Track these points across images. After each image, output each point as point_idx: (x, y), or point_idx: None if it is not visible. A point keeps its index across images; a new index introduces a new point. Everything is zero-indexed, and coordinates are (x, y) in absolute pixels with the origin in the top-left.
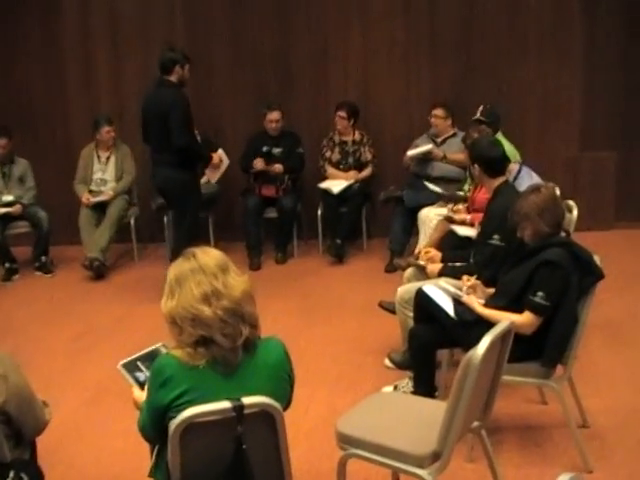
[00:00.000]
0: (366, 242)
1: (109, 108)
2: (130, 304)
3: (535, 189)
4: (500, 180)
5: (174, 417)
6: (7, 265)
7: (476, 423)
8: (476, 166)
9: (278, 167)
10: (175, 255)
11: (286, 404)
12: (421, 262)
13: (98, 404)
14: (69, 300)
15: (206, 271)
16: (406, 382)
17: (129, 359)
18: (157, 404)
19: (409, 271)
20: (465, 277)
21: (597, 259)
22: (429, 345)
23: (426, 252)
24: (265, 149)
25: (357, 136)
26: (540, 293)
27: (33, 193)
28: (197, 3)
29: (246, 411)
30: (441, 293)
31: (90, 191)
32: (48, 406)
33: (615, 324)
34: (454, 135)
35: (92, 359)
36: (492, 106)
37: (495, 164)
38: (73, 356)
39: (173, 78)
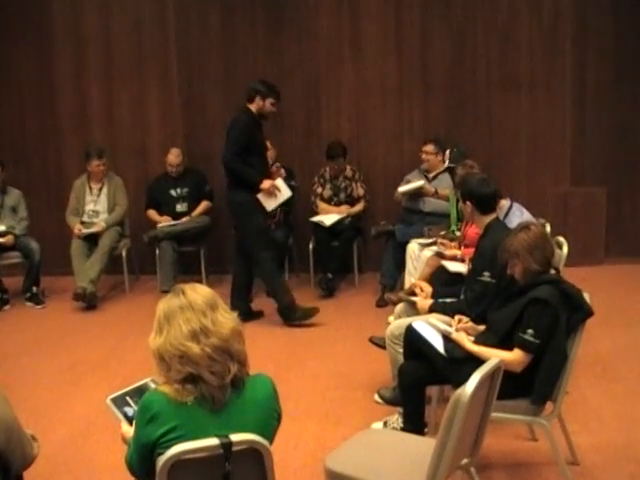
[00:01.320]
0: (358, 276)
1: (102, 140)
2: (121, 336)
3: (525, 227)
4: (491, 217)
5: (162, 453)
6: None
7: (465, 460)
8: (468, 203)
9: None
10: (269, 290)
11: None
12: (412, 298)
13: (87, 438)
14: (59, 331)
15: (195, 308)
16: (396, 418)
17: (118, 393)
18: (145, 440)
19: (400, 306)
20: (457, 317)
21: (587, 296)
22: (419, 382)
23: (419, 287)
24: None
25: (348, 172)
26: (530, 330)
27: (26, 224)
28: (190, 38)
29: (234, 448)
30: (431, 330)
31: (82, 222)
32: (36, 440)
33: (605, 360)
34: (445, 171)
35: (81, 392)
36: (457, 148)
37: (486, 201)
38: (62, 388)
39: (252, 107)
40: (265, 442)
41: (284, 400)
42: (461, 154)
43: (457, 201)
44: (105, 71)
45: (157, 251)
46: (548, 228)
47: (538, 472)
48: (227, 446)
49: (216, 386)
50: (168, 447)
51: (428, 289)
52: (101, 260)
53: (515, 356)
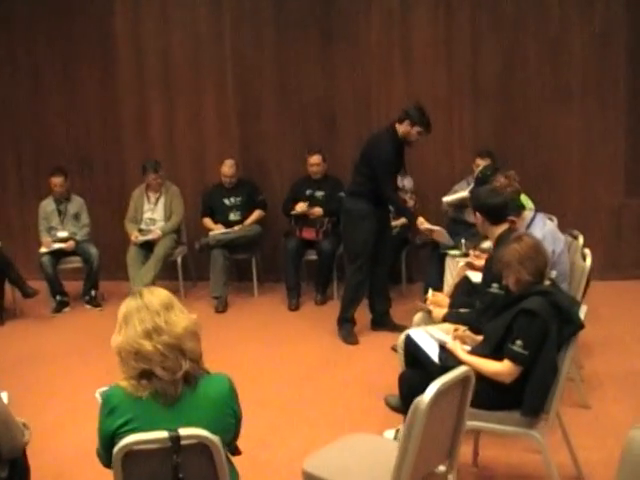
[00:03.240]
0: (406, 286)
1: (162, 150)
2: None
3: (517, 237)
4: (502, 228)
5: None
6: (58, 298)
7: (442, 468)
8: (477, 214)
9: (317, 210)
10: (345, 296)
11: (232, 437)
12: (429, 307)
13: None
14: (111, 334)
15: (150, 309)
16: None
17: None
18: (105, 431)
19: (419, 315)
20: (454, 327)
21: (583, 310)
22: (417, 390)
23: (433, 296)
24: (308, 192)
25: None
26: (519, 342)
27: (87, 230)
28: (246, 53)
29: (183, 442)
30: (428, 338)
31: (140, 230)
32: (28, 428)
33: (639, 376)
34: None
35: None
36: (482, 172)
37: (496, 212)
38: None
39: (399, 129)
40: (214, 437)
41: (308, 406)
42: (492, 169)
43: None
44: (164, 84)
45: (212, 258)
46: (581, 241)
47: None
48: (175, 439)
49: (168, 381)
50: (123, 438)
51: (444, 300)
52: (155, 266)
53: (504, 367)
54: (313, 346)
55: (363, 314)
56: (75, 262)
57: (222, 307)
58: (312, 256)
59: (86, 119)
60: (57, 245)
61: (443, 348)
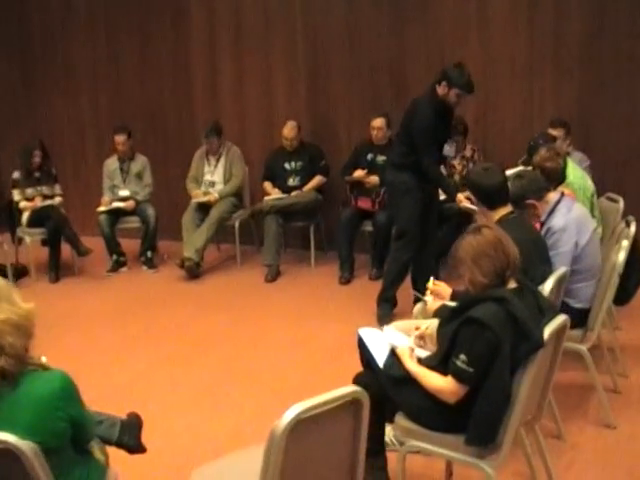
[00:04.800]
0: None
1: (230, 112)
2: (199, 308)
3: (476, 229)
4: (500, 213)
5: None
6: (115, 257)
7: None
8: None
9: (373, 179)
10: (387, 273)
11: (80, 440)
12: (427, 297)
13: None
14: (162, 296)
15: None
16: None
17: None
18: None
19: (418, 306)
20: (415, 325)
21: (552, 325)
22: (372, 397)
23: (434, 285)
24: (369, 157)
25: (468, 151)
26: (462, 356)
27: (149, 190)
28: (316, 14)
29: None
30: (379, 338)
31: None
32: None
33: None
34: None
35: (134, 358)
36: (534, 141)
37: (490, 194)
38: (123, 353)
39: (438, 90)
40: (23, 444)
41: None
42: (545, 139)
43: None
44: (235, 44)
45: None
46: (633, 228)
47: None
48: None
49: None
50: None
51: (445, 291)
52: (208, 231)
53: (447, 385)
54: (346, 325)
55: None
56: (134, 222)
57: (271, 276)
58: (368, 227)
59: (159, 78)
60: (116, 204)
61: (393, 352)
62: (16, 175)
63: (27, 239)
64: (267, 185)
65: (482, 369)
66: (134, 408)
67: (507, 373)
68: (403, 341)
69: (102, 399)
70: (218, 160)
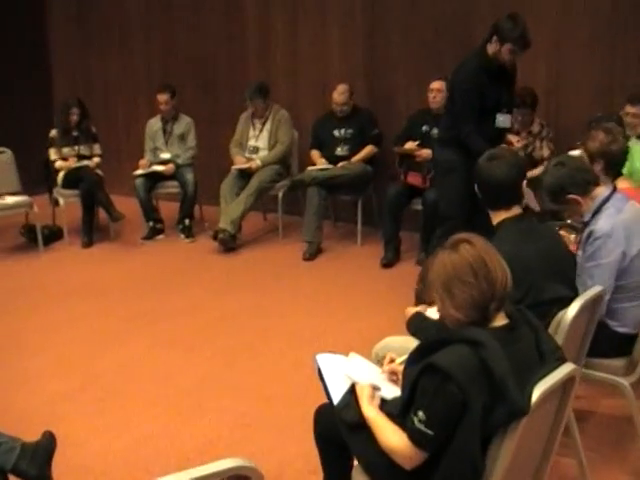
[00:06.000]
0: None
1: (283, 74)
2: (242, 289)
3: (454, 243)
4: (502, 216)
5: None
6: (151, 224)
7: None
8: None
9: (425, 152)
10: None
11: None
12: (428, 310)
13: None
14: (193, 270)
15: None
16: None
17: None
18: None
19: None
20: (388, 356)
21: (554, 378)
22: (335, 436)
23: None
24: (424, 129)
25: (535, 127)
26: (421, 414)
27: (191, 153)
28: None
29: None
30: (340, 368)
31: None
32: None
33: None
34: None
35: (132, 340)
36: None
37: (491, 192)
38: (123, 333)
39: (489, 49)
40: None
41: None
42: (607, 119)
43: None
44: (290, 3)
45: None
46: None
47: None
48: None
49: None
50: None
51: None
52: (246, 201)
53: (403, 446)
54: (374, 319)
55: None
56: (172, 187)
57: (310, 254)
58: (418, 206)
59: (211, 36)
60: (154, 167)
61: (353, 389)
62: (53, 133)
63: (61, 200)
64: (314, 154)
65: (445, 432)
66: (133, 388)
67: (476, 441)
68: (370, 375)
69: (109, 372)
70: (264, 124)
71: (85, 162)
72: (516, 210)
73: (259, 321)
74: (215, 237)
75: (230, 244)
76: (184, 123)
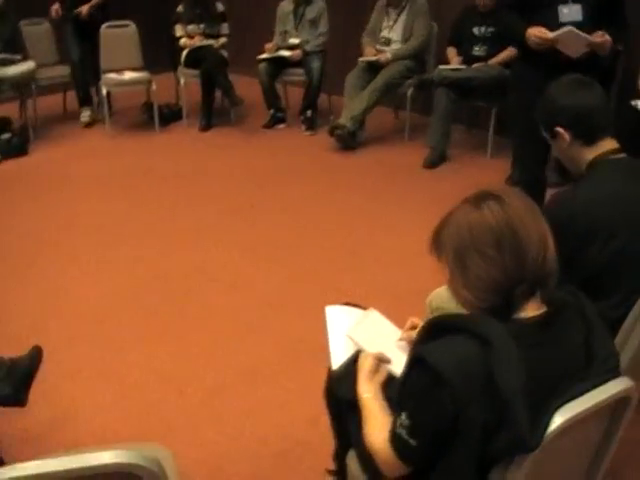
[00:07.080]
0: None
1: None
2: (345, 193)
3: (477, 198)
4: (594, 153)
5: None
6: (272, 112)
7: None
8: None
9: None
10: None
11: None
12: None
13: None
14: (302, 166)
15: None
16: None
17: None
18: None
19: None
20: (410, 320)
21: (594, 399)
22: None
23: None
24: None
25: None
26: (404, 417)
27: (322, 40)
28: None
29: None
30: (345, 324)
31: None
32: None
33: None
34: None
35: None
36: None
37: (583, 122)
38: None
39: None
40: None
41: None
42: None
43: None
44: None
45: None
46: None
47: None
48: None
49: None
50: None
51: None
52: (369, 97)
53: (384, 453)
54: None
55: None
56: (298, 75)
57: (431, 161)
58: None
59: None
60: (281, 52)
61: (357, 356)
62: (180, 8)
63: (182, 80)
64: (450, 51)
65: (432, 446)
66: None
67: (470, 468)
68: (383, 342)
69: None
70: (399, 14)
71: (210, 41)
72: (612, 143)
73: (358, 228)
74: (332, 133)
75: (347, 142)
76: (317, 7)
